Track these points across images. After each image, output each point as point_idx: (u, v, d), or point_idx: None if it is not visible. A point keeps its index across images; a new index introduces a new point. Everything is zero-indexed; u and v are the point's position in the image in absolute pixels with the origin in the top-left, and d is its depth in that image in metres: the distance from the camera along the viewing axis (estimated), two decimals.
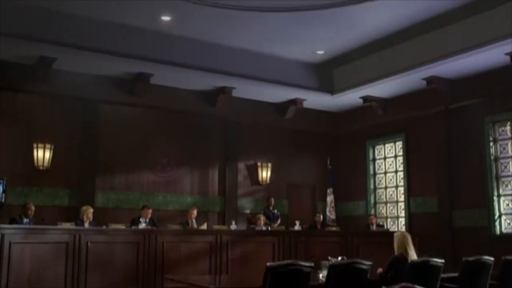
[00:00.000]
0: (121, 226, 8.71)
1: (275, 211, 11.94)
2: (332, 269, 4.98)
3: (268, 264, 4.60)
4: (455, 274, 6.06)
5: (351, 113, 13.28)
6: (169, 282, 7.80)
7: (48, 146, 10.25)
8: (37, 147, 10.18)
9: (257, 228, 10.30)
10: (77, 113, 10.76)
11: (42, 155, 10.20)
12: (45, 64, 9.74)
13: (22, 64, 9.87)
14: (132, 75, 10.71)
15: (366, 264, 5.17)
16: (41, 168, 10.19)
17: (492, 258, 6.15)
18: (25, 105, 10.30)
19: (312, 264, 4.83)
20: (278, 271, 4.59)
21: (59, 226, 7.91)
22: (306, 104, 12.63)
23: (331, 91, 12.27)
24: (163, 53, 10.43)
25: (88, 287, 7.75)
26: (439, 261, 5.58)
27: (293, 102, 12.49)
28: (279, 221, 11.74)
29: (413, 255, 5.76)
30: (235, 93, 11.71)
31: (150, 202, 10.84)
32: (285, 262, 4.82)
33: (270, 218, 11.58)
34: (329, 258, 5.96)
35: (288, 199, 13.08)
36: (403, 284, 3.99)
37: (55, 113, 10.56)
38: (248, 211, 12.42)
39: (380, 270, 5.83)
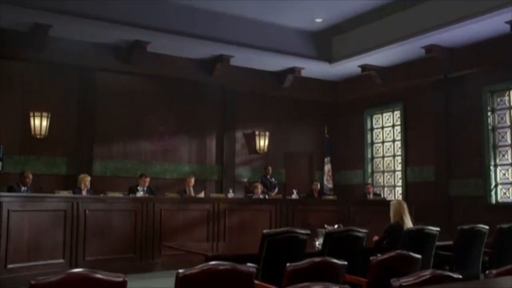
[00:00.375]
0: (119, 194, 8.74)
1: (273, 179, 11.99)
2: (328, 236, 5.03)
3: (264, 231, 4.65)
4: (450, 242, 6.12)
5: (349, 82, 13.22)
6: (167, 249, 7.91)
7: (44, 114, 10.21)
8: (33, 116, 10.14)
9: (255, 197, 10.36)
10: (74, 82, 10.68)
11: (39, 123, 10.16)
12: (41, 31, 9.63)
13: (17, 31, 9.76)
14: (129, 43, 10.60)
15: (362, 232, 5.22)
16: (38, 136, 10.17)
17: (487, 227, 6.21)
18: (20, 73, 10.22)
19: (308, 232, 4.88)
20: (275, 238, 4.63)
21: (57, 194, 7.94)
22: (304, 73, 12.57)
23: (329, 59, 12.19)
24: (160, 21, 10.32)
25: (87, 255, 7.83)
26: (434, 229, 5.64)
27: (291, 70, 12.42)
28: (276, 189, 11.79)
29: (408, 223, 5.82)
30: (233, 62, 11.63)
31: (148, 170, 10.86)
32: (281, 229, 4.87)
33: (268, 187, 11.63)
34: (326, 226, 6.01)
35: (286, 168, 13.12)
36: (398, 251, 4.04)
37: (51, 81, 10.48)
38: (245, 180, 12.46)
39: (376, 237, 5.88)
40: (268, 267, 4.57)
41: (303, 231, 4.82)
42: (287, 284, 3.25)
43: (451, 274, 2.75)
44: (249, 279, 3.12)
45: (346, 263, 3.54)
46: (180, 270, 3.00)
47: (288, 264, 3.34)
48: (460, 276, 2.76)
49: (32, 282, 2.69)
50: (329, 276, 3.47)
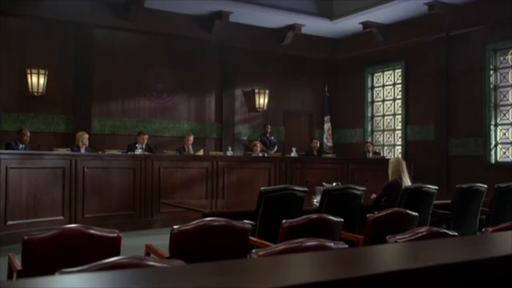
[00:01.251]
0: (116, 152, 8.72)
1: (272, 138, 11.96)
2: (325, 194, 5.01)
3: (262, 188, 4.63)
4: (448, 201, 6.13)
5: (350, 39, 13.02)
6: (166, 207, 7.95)
7: (42, 71, 10.08)
8: (30, 73, 10.02)
9: (254, 155, 10.35)
10: (71, 38, 10.51)
11: (37, 80, 10.05)
12: None
13: None
14: None
15: (360, 189, 5.21)
16: (35, 94, 10.07)
17: (485, 186, 6.21)
18: (17, 30, 10.04)
19: (306, 189, 4.86)
20: (272, 196, 4.62)
21: (55, 152, 7.91)
22: (304, 30, 12.36)
23: (330, 16, 11.96)
24: None
25: (86, 212, 7.87)
26: (432, 187, 5.63)
27: (291, 27, 12.21)
28: (275, 147, 11.78)
29: (407, 181, 5.80)
30: (232, 18, 11.42)
31: (147, 128, 10.82)
32: (278, 186, 4.86)
33: (267, 145, 11.61)
34: (324, 183, 6.01)
35: (285, 126, 13.07)
36: (395, 209, 4.03)
37: (48, 38, 10.31)
38: (245, 138, 12.43)
39: (374, 195, 5.88)
40: (265, 224, 4.57)
41: (300, 189, 4.80)
42: (283, 240, 3.24)
43: (447, 231, 2.74)
44: (244, 235, 3.11)
45: (342, 220, 3.53)
46: (175, 226, 3.00)
47: (283, 221, 3.33)
48: (456, 234, 2.74)
49: (25, 237, 2.68)
50: (325, 232, 3.46)
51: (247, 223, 3.12)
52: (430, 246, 1.78)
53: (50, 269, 1.87)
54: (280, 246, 2.26)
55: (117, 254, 2.80)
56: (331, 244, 2.30)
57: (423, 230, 2.68)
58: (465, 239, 2.09)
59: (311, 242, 2.30)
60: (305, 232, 3.33)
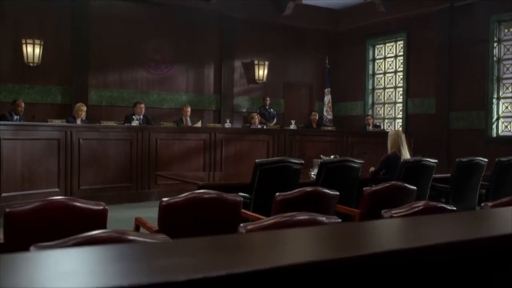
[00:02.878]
0: (113, 123, 8.60)
1: (271, 110, 11.83)
2: (322, 166, 4.91)
3: (257, 160, 4.53)
4: (448, 175, 6.04)
5: (352, 10, 12.76)
6: (163, 179, 7.87)
7: (37, 42, 9.89)
8: (25, 43, 9.84)
9: (252, 127, 10.23)
10: (67, 8, 10.28)
11: (32, 51, 9.87)
12: None
13: None
14: None
15: (357, 162, 5.11)
16: (31, 64, 9.91)
17: (486, 159, 6.10)
18: None
19: (302, 162, 4.76)
20: (267, 168, 4.53)
21: (49, 123, 7.78)
22: (305, 0, 12.11)
23: None
24: None
25: (82, 184, 7.79)
26: (432, 161, 5.52)
27: None
28: (275, 120, 11.66)
29: (406, 154, 5.69)
30: None
31: (145, 100, 10.68)
32: (274, 158, 4.76)
33: (266, 117, 11.50)
34: (321, 156, 5.91)
35: (285, 98, 12.92)
36: (393, 182, 3.93)
37: (43, 7, 10.08)
38: (244, 110, 12.29)
39: (372, 168, 5.78)
40: (261, 197, 4.48)
41: (296, 161, 4.70)
42: (276, 213, 3.15)
43: (445, 205, 2.64)
44: (236, 208, 3.02)
45: (338, 193, 3.43)
46: (164, 199, 2.90)
47: (277, 194, 3.24)
48: (454, 208, 2.65)
49: (7, 210, 2.59)
50: (320, 206, 3.37)
51: (239, 195, 3.02)
52: (426, 222, 1.69)
53: (33, 243, 1.79)
54: (270, 220, 2.17)
55: (103, 227, 2.72)
56: (323, 219, 2.20)
57: (420, 204, 2.58)
58: (463, 215, 1.98)
59: (302, 216, 2.21)
60: (299, 206, 3.23)
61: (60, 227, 2.65)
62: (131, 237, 1.82)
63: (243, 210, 3.63)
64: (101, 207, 2.68)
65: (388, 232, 1.57)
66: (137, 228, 3.26)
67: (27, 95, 9.87)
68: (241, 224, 2.10)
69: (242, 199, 3.03)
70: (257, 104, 12.16)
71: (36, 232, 2.57)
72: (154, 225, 3.07)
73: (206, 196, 2.92)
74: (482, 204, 2.74)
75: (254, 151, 9.24)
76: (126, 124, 8.73)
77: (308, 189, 3.32)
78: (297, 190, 3.28)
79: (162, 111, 11.17)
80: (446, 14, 10.81)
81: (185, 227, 2.88)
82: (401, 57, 12.16)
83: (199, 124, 9.80)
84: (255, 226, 2.09)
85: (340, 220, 2.26)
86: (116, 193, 8.04)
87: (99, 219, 2.67)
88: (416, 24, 11.57)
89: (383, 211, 2.50)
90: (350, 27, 13.00)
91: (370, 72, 12.90)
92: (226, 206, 2.97)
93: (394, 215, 2.47)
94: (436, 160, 5.65)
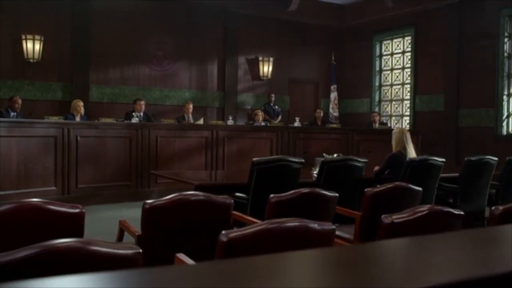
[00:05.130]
0: (112, 120, 8.42)
1: (276, 107, 11.61)
2: (324, 165, 4.68)
3: (254, 159, 4.31)
4: (456, 174, 5.79)
5: (358, 5, 12.48)
6: (163, 178, 7.66)
7: (37, 37, 9.73)
8: (25, 39, 9.67)
9: (256, 124, 10.01)
10: (67, 2, 10.11)
11: (32, 46, 9.70)
12: None
13: None
14: None
15: (361, 161, 4.88)
16: (31, 60, 9.74)
17: (496, 158, 5.85)
18: None
19: (302, 160, 4.54)
20: (265, 167, 4.31)
21: (46, 120, 7.61)
22: None
23: None
24: None
25: (80, 182, 7.61)
26: (439, 160, 5.27)
27: None
28: (279, 117, 11.45)
29: (412, 153, 5.43)
30: None
31: (147, 96, 10.51)
32: (272, 157, 4.54)
33: (271, 114, 11.28)
34: (324, 154, 5.69)
35: (290, 95, 12.68)
36: (397, 183, 3.71)
37: (43, 2, 9.91)
38: (248, 107, 12.07)
39: (377, 168, 5.54)
40: (258, 197, 4.26)
41: (296, 160, 4.48)
42: (269, 217, 2.94)
43: (451, 210, 2.41)
44: (226, 211, 2.80)
45: (337, 195, 3.20)
46: (148, 201, 2.70)
47: (271, 195, 3.02)
48: (462, 213, 2.42)
49: None
50: (318, 208, 3.15)
51: (229, 198, 2.80)
52: (428, 246, 1.41)
53: (3, 249, 1.60)
54: (256, 227, 1.95)
55: (80, 231, 2.53)
56: (315, 226, 1.98)
57: (425, 209, 2.36)
58: (474, 234, 1.73)
59: (292, 223, 1.99)
60: (295, 208, 3.02)
61: (35, 231, 2.45)
62: (94, 248, 1.61)
63: (236, 213, 3.42)
64: (77, 210, 2.48)
65: (378, 263, 1.28)
66: (121, 232, 3.06)
67: (27, 91, 9.72)
68: (223, 232, 1.89)
69: (232, 201, 2.81)
70: (262, 101, 11.95)
71: (7, 237, 2.37)
72: (138, 229, 2.87)
73: (194, 198, 2.71)
74: (493, 208, 2.51)
75: (257, 149, 9.03)
76: (126, 121, 8.53)
77: (305, 190, 3.10)
78: (293, 191, 3.06)
79: (165, 108, 10.99)
80: (455, 9, 10.54)
81: (170, 232, 2.67)
82: (409, 53, 11.89)
83: (201, 121, 9.60)
84: (237, 234, 1.87)
85: (334, 227, 2.04)
86: (115, 192, 7.87)
87: (75, 223, 2.47)
88: (424, 19, 11.30)
89: (383, 216, 2.28)
90: (357, 22, 12.73)
91: (377, 68, 12.64)
92: (215, 209, 2.76)
93: (395, 221, 2.24)
94: (443, 159, 5.40)
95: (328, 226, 2.02)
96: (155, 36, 11.01)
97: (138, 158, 8.14)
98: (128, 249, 1.67)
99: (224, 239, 1.85)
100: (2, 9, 9.52)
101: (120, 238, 3.09)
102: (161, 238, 2.67)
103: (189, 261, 2.15)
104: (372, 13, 12.16)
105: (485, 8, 10.13)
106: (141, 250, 1.68)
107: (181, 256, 2.18)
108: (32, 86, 9.86)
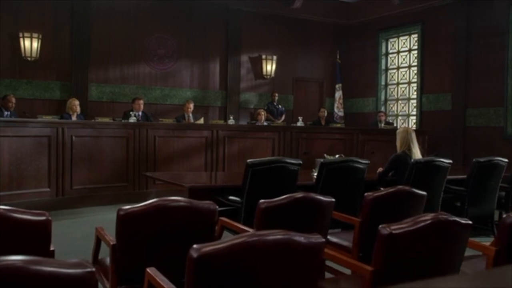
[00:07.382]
0: (108, 119, 8.20)
1: (279, 106, 11.37)
2: (323, 167, 4.43)
3: (248, 160, 4.07)
4: (464, 176, 5.52)
5: (364, 2, 12.20)
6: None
7: (35, 35, 9.54)
8: (23, 37, 9.48)
9: (258, 124, 9.76)
10: (66, 0, 9.92)
11: (29, 45, 9.52)
12: None
13: None
14: None
15: (363, 163, 4.62)
16: (29, 59, 9.55)
17: (506, 160, 5.57)
18: None
19: (300, 162, 4.29)
20: (260, 169, 4.06)
21: (39, 119, 7.39)
22: None
23: None
24: None
25: (75, 183, 7.39)
26: (446, 161, 5.00)
27: None
28: (283, 117, 11.20)
29: (417, 154, 5.17)
30: None
31: (147, 95, 10.30)
32: (268, 158, 4.29)
33: (274, 114, 11.05)
34: (325, 155, 5.45)
35: (294, 94, 12.42)
36: (399, 187, 3.45)
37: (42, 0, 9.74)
38: (251, 106, 11.83)
39: (380, 169, 5.28)
40: (253, 201, 4.00)
41: (293, 161, 4.23)
42: (258, 225, 2.70)
43: (458, 219, 2.15)
44: (210, 217, 2.56)
45: (333, 200, 2.95)
46: (124, 207, 2.46)
47: (261, 201, 2.77)
48: (470, 222, 2.16)
49: None
50: (313, 215, 2.91)
51: (212, 203, 2.56)
52: None
53: None
54: (233, 240, 1.71)
55: (47, 240, 2.30)
56: (301, 239, 1.73)
57: (428, 218, 2.10)
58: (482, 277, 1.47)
59: (275, 236, 1.75)
60: (287, 215, 2.78)
61: None
62: (36, 267, 1.37)
63: (225, 219, 3.19)
64: (43, 218, 2.25)
65: None
66: (97, 241, 2.83)
67: (25, 90, 9.54)
68: (194, 246, 1.65)
69: (217, 207, 2.57)
70: (265, 100, 11.71)
71: None
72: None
73: (173, 204, 2.47)
74: (504, 215, 2.25)
75: (259, 149, 8.77)
76: (123, 121, 8.31)
77: (298, 195, 2.85)
78: (284, 196, 2.81)
79: (166, 107, 10.78)
80: (463, 5, 10.26)
81: (147, 241, 2.43)
82: (416, 51, 11.61)
83: (201, 121, 9.37)
84: (210, 249, 1.63)
85: (323, 240, 1.79)
86: (112, 193, 7.65)
87: (41, 232, 2.24)
88: (431, 16, 11.01)
89: (380, 226, 2.03)
90: (362, 20, 12.46)
91: (383, 67, 12.36)
92: (198, 216, 2.52)
93: (394, 232, 1.99)
94: (450, 160, 5.14)
95: (316, 238, 1.77)
96: (156, 34, 10.80)
97: (135, 159, 7.92)
98: (77, 267, 1.43)
99: (194, 254, 1.61)
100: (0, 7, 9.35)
101: (97, 247, 2.85)
102: (136, 248, 2.43)
103: (161, 277, 1.91)
104: (378, 10, 11.88)
105: (493, 4, 9.85)
106: (94, 269, 1.44)
107: (152, 271, 1.94)
108: (30, 85, 9.67)
